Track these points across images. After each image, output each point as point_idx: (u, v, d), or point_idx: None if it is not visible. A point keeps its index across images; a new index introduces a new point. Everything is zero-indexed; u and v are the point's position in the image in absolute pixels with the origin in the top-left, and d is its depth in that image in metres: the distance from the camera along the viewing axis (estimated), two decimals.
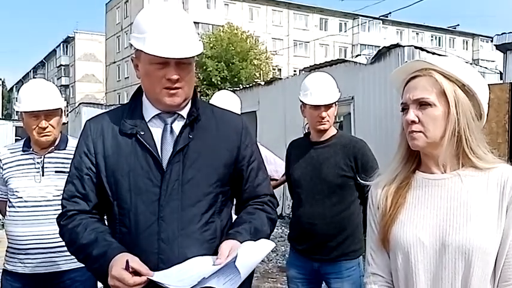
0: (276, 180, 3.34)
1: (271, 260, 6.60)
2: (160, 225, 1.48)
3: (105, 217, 1.63)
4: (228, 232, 1.55)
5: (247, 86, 12.37)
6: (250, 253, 1.41)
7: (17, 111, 2.47)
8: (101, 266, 1.41)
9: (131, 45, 1.55)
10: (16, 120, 20.92)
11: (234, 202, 1.73)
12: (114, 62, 44.88)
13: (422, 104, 1.28)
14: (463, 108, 1.27)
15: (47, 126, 2.36)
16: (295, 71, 32.81)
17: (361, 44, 44.81)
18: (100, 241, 1.46)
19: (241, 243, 1.46)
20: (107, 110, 1.80)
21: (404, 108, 1.33)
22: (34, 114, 2.34)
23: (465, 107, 1.27)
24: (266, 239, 1.56)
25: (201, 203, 1.52)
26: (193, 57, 1.53)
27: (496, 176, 1.28)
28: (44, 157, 2.41)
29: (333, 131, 2.69)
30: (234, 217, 1.69)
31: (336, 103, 2.67)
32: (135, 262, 1.37)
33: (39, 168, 2.39)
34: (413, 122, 1.29)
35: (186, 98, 1.56)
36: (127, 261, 1.35)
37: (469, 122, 1.28)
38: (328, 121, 2.61)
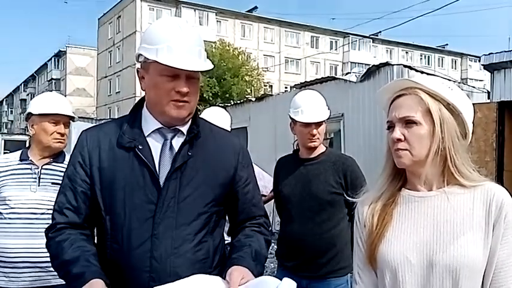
0: (265, 196, 3.34)
1: None
2: (154, 243, 1.44)
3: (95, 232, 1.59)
4: (231, 256, 1.51)
5: (239, 102, 12.41)
6: None
7: (28, 114, 2.44)
8: (77, 286, 1.35)
9: (138, 56, 1.53)
10: (5, 133, 20.60)
11: (227, 223, 1.70)
12: (106, 77, 44.77)
13: (408, 123, 1.29)
14: (448, 127, 1.28)
15: (64, 133, 2.42)
16: (286, 87, 33.04)
17: (351, 62, 45.17)
18: (81, 260, 1.41)
19: (246, 268, 1.41)
20: (97, 124, 1.78)
21: (390, 127, 1.34)
22: (55, 120, 2.39)
23: (450, 125, 1.28)
24: (264, 261, 1.54)
25: (196, 222, 1.49)
26: (202, 72, 1.53)
27: (481, 194, 1.28)
28: (42, 167, 2.40)
29: (322, 148, 2.71)
30: (226, 238, 1.67)
31: (325, 121, 2.70)
32: None
33: (36, 178, 2.37)
34: (399, 140, 1.29)
35: (191, 112, 1.55)
36: None
37: (454, 140, 1.29)
38: (318, 138, 2.63)
